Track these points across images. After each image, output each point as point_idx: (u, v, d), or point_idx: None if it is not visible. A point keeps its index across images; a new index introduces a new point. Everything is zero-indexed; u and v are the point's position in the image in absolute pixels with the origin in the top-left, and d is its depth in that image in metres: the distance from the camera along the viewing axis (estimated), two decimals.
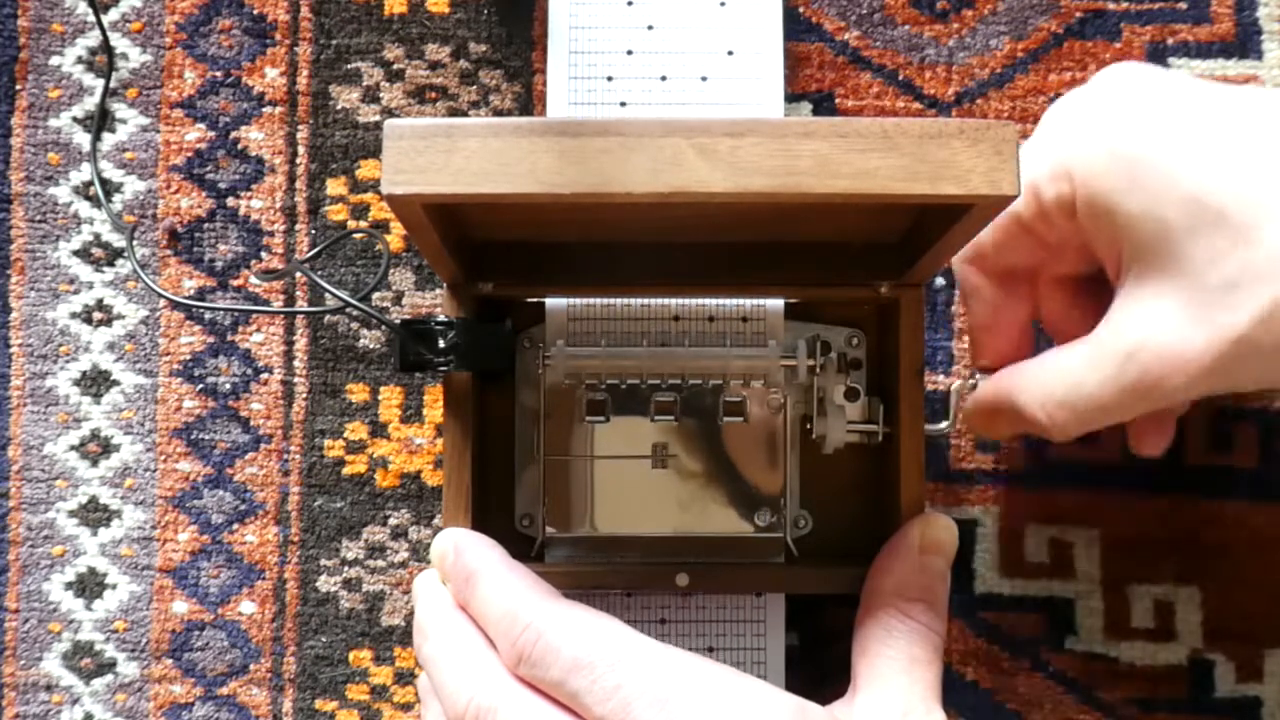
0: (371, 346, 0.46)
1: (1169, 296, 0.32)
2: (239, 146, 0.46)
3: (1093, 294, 0.37)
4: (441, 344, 0.37)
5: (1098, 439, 0.44)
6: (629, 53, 0.43)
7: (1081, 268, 0.37)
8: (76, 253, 0.46)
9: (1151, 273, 0.32)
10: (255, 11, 0.46)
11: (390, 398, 0.45)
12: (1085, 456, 0.44)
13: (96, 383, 0.46)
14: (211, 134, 0.46)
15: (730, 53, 0.43)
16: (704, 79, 0.43)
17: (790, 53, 0.45)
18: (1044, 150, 0.35)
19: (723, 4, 0.43)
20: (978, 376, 0.40)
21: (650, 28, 0.43)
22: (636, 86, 0.43)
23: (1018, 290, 0.39)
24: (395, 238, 0.46)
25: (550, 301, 0.42)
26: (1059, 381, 0.35)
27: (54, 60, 0.47)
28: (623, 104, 0.43)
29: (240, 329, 0.46)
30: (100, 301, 0.46)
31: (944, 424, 0.42)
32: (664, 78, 0.43)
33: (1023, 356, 0.38)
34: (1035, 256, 0.38)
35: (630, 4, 0.43)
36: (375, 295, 0.46)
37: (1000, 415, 0.38)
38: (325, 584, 0.45)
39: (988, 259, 0.38)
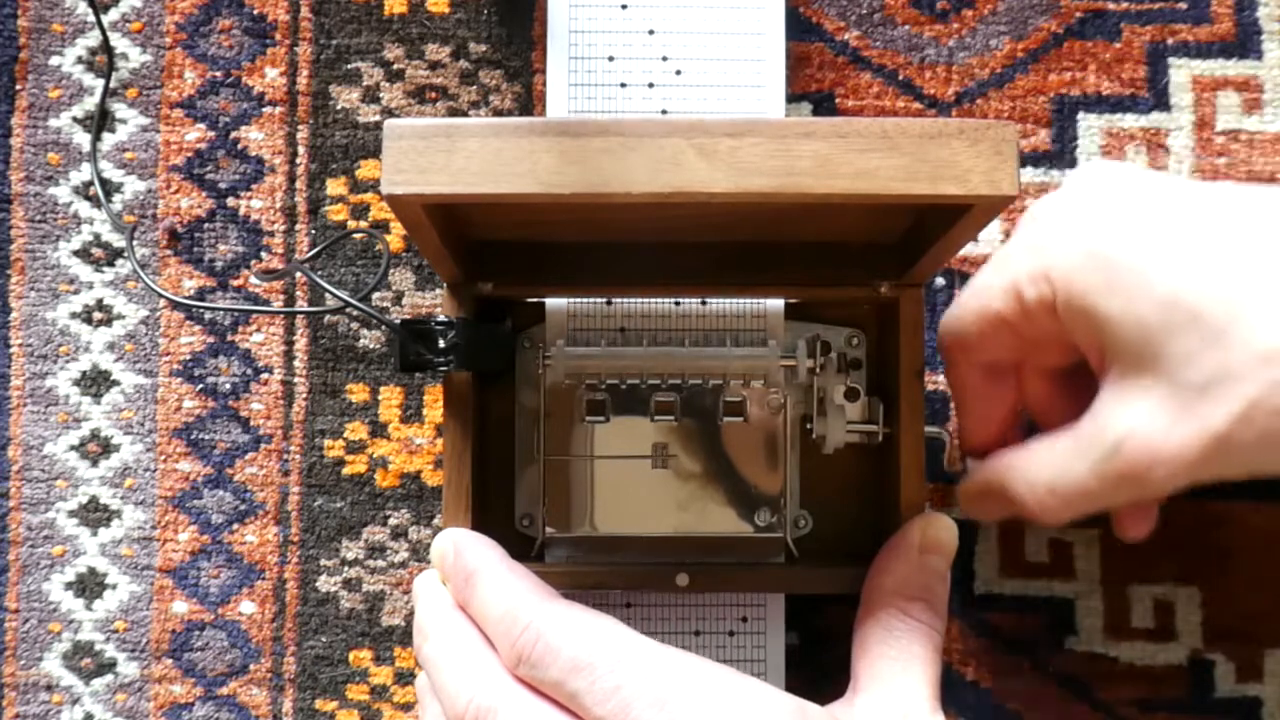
0: (371, 346, 0.46)
1: (1150, 393, 0.32)
2: (239, 146, 0.46)
3: (1077, 382, 0.38)
4: (441, 344, 0.37)
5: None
6: (630, 53, 0.43)
7: (1065, 360, 0.38)
8: (76, 253, 0.46)
9: (1132, 369, 0.33)
10: (255, 11, 0.46)
11: (390, 398, 0.45)
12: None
13: (96, 383, 0.46)
14: (211, 134, 0.46)
15: (731, 53, 0.43)
16: (704, 79, 0.43)
17: (790, 53, 0.45)
18: (1023, 251, 0.36)
19: (724, 4, 0.43)
20: (969, 461, 0.41)
21: (650, 31, 0.43)
22: (636, 88, 0.43)
23: (1003, 381, 0.39)
24: (395, 238, 0.46)
25: (550, 301, 0.42)
26: (1047, 471, 0.36)
27: (54, 60, 0.47)
28: (620, 104, 0.43)
29: (240, 329, 0.46)
30: (100, 301, 0.46)
31: (940, 430, 0.42)
32: (664, 78, 0.43)
33: (1010, 442, 0.39)
34: (1020, 351, 0.38)
35: (630, 5, 0.43)
36: (375, 295, 0.46)
37: (991, 500, 0.38)
38: (325, 584, 0.45)
39: (973, 353, 0.39)
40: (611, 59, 0.43)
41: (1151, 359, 0.32)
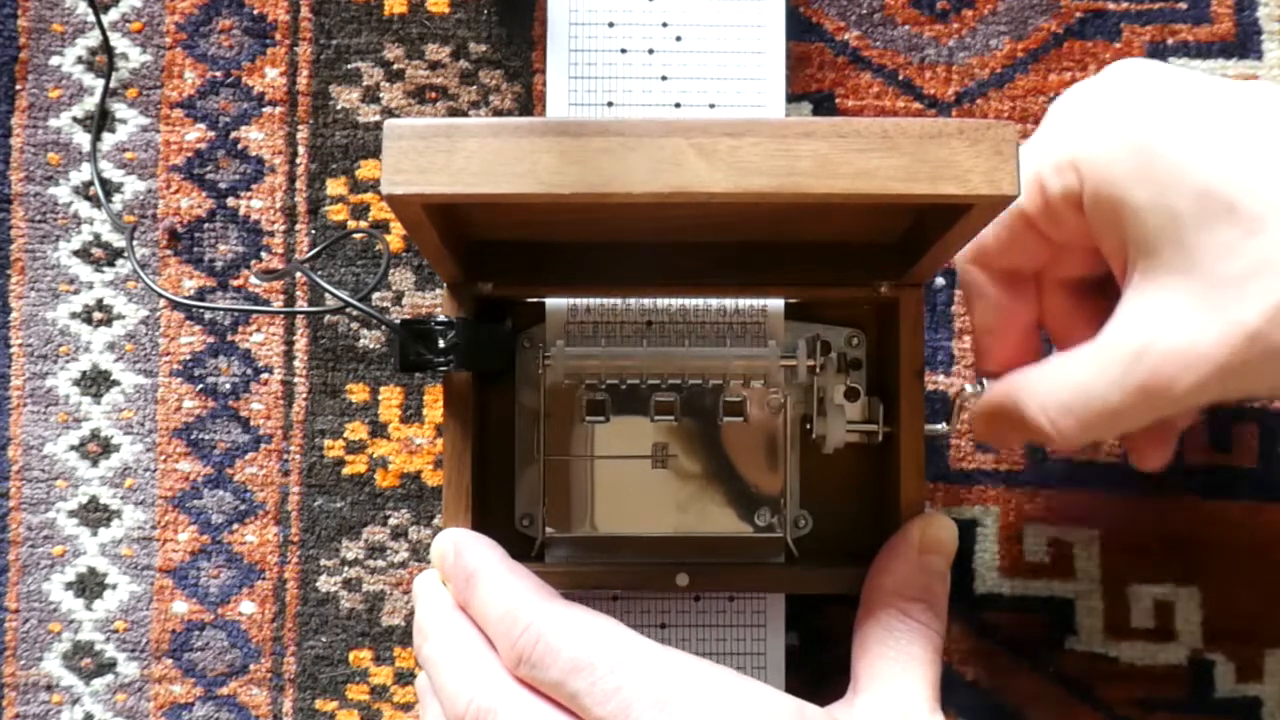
0: (371, 346, 0.46)
1: (1178, 292, 0.31)
2: (239, 146, 0.46)
3: (1099, 298, 0.37)
4: (441, 344, 0.37)
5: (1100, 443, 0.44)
6: (628, 53, 0.43)
7: (1087, 270, 0.37)
8: (76, 253, 0.46)
9: (1159, 267, 0.32)
10: (255, 11, 0.46)
11: (390, 398, 0.45)
12: (1085, 457, 0.44)
13: (96, 383, 0.46)
14: (211, 134, 0.46)
15: (732, 53, 0.43)
16: (705, 79, 0.43)
17: (790, 53, 0.45)
18: (1050, 143, 0.35)
19: (726, 4, 0.43)
20: (982, 384, 0.39)
21: (650, 28, 0.43)
22: (637, 87, 0.43)
23: (1022, 292, 0.38)
24: (395, 238, 0.46)
25: (550, 301, 0.42)
26: (1064, 386, 0.34)
27: (54, 60, 0.47)
28: (611, 105, 0.43)
29: (240, 329, 0.46)
30: (100, 301, 0.46)
31: (942, 425, 0.42)
32: (664, 78, 0.43)
33: (1028, 362, 0.37)
34: (1040, 256, 0.37)
35: (630, 4, 0.43)
36: (375, 295, 0.46)
37: (1004, 423, 0.37)
38: (325, 584, 0.45)
39: (991, 258, 0.38)
40: (611, 59, 0.43)
41: (1181, 254, 0.31)
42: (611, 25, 0.43)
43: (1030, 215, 0.35)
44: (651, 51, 0.43)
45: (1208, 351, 0.30)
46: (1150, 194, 0.31)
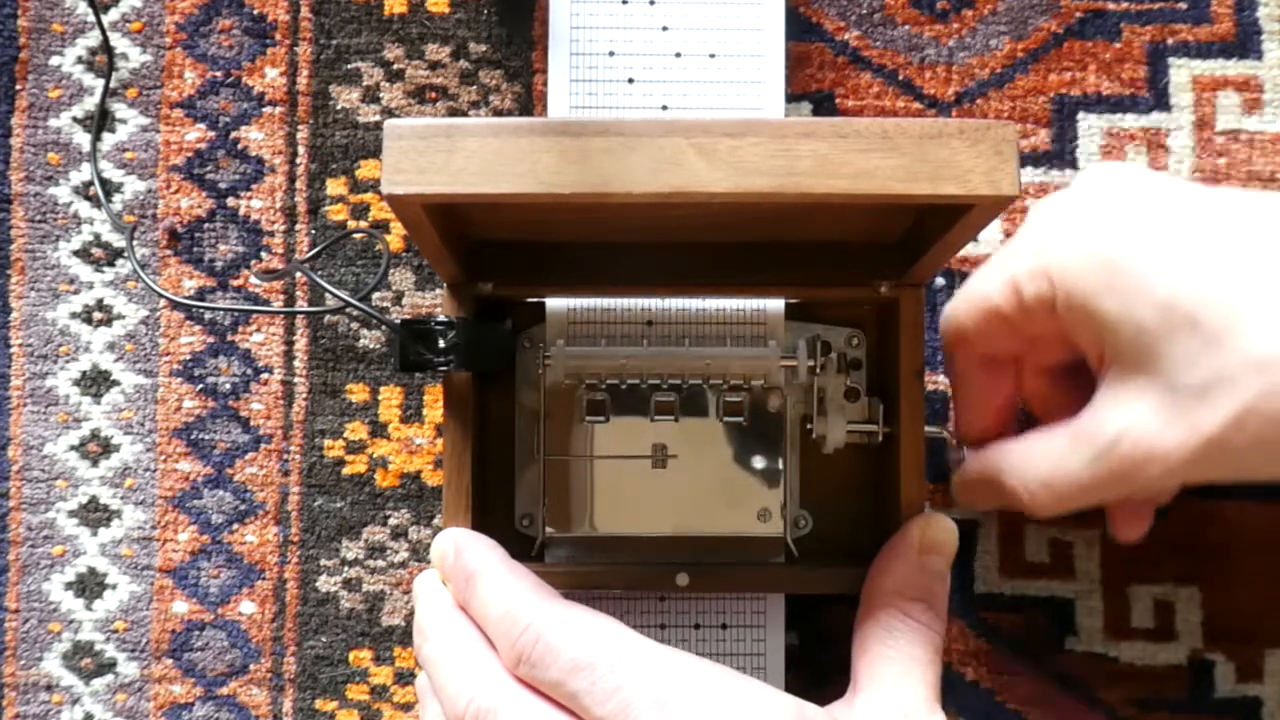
0: (371, 346, 0.46)
1: (1146, 394, 0.33)
2: (239, 146, 0.46)
3: (1075, 380, 0.38)
4: (441, 344, 0.37)
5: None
6: (630, 53, 0.43)
7: (1064, 357, 0.38)
8: (76, 253, 0.46)
9: (1130, 370, 0.33)
10: (255, 11, 0.46)
11: (390, 398, 0.45)
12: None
13: (96, 383, 0.46)
14: (211, 134, 0.46)
15: (732, 53, 0.43)
16: (705, 79, 0.43)
17: (790, 53, 0.45)
18: (1025, 250, 0.36)
19: (725, 5, 0.43)
20: (964, 451, 0.41)
21: (651, 29, 0.43)
22: (637, 88, 0.43)
23: (1002, 374, 0.40)
24: (395, 238, 0.46)
25: (550, 301, 0.42)
26: (1042, 464, 0.36)
27: (54, 60, 0.47)
28: (611, 106, 0.43)
29: (240, 329, 0.46)
30: (100, 301, 0.46)
31: (943, 433, 0.42)
32: (664, 79, 0.43)
33: (1006, 433, 0.39)
34: (1018, 346, 0.39)
35: (631, 4, 0.43)
36: (375, 295, 0.45)
37: (985, 490, 0.39)
38: (325, 584, 0.45)
39: (972, 346, 0.39)
40: (612, 54, 0.43)
41: (1149, 360, 0.32)
42: (611, 28, 0.43)
43: (1007, 313, 0.37)
44: (650, 51, 0.43)
45: (1172, 451, 0.32)
46: (1117, 305, 0.33)
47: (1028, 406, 0.41)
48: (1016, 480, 0.37)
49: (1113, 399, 0.34)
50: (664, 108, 0.43)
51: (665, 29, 0.43)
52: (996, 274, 0.36)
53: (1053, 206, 0.36)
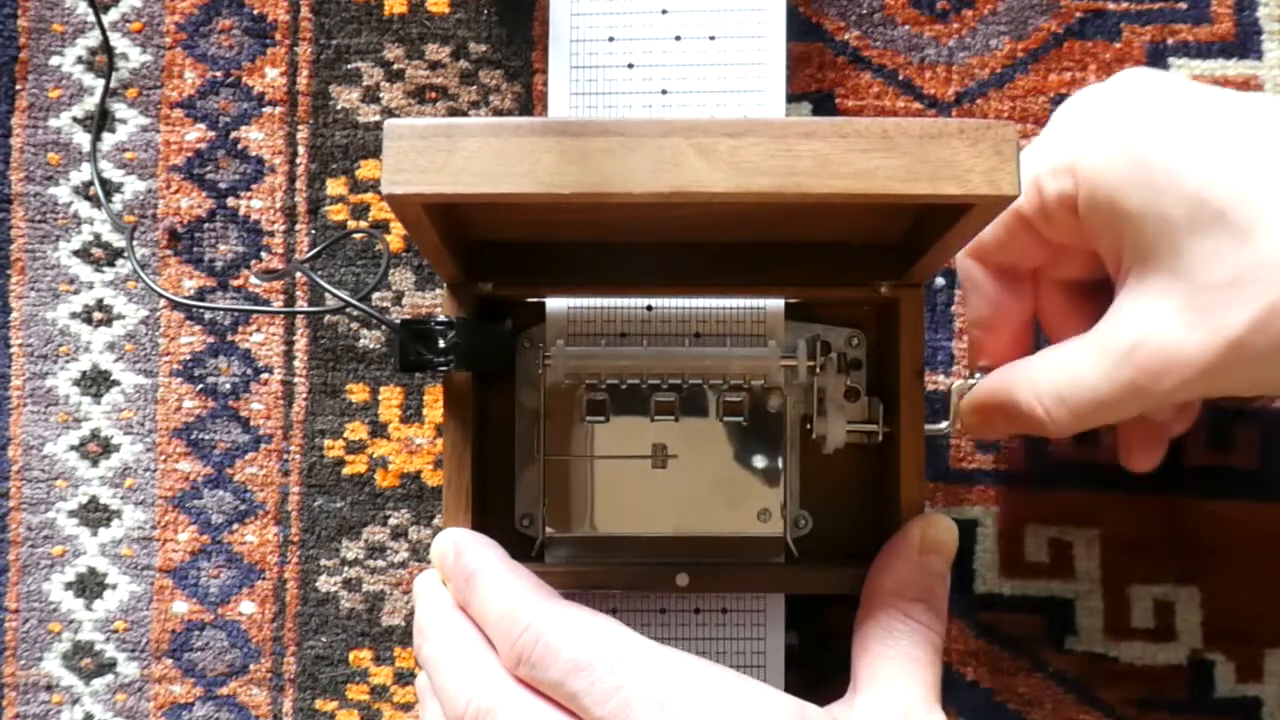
0: (371, 346, 0.46)
1: (1168, 295, 0.32)
2: (239, 146, 0.46)
3: (1094, 297, 0.37)
4: (441, 344, 0.37)
5: (1097, 438, 0.44)
6: (630, 53, 0.43)
7: (1084, 272, 0.38)
8: (76, 253, 0.46)
9: (1151, 271, 0.33)
10: (255, 11, 0.46)
11: (390, 398, 0.45)
12: (1085, 456, 0.44)
13: (96, 383, 0.46)
14: (211, 134, 0.46)
15: (732, 53, 0.43)
16: (706, 79, 0.43)
17: (790, 53, 0.45)
18: (1049, 147, 0.35)
19: (726, 5, 0.43)
20: (977, 377, 0.40)
21: (651, 29, 0.43)
22: (638, 88, 0.43)
23: (1019, 289, 0.39)
24: (395, 238, 0.46)
25: (550, 301, 0.42)
26: (1056, 377, 0.35)
27: (54, 60, 0.47)
28: (611, 107, 0.43)
29: (240, 329, 0.46)
30: (100, 301, 0.46)
31: (944, 424, 0.42)
32: (665, 79, 0.43)
33: (1022, 355, 0.38)
34: (1037, 255, 0.38)
35: (632, 4, 0.43)
36: (375, 295, 0.46)
37: (997, 413, 0.38)
38: (325, 584, 0.45)
39: (989, 255, 0.38)
40: (612, 39, 0.43)
41: (1172, 259, 0.32)
42: (612, 29, 0.43)
43: (1027, 216, 0.36)
44: (651, 52, 0.43)
45: (1193, 354, 0.31)
46: (1143, 200, 0.32)
47: (1045, 327, 0.40)
48: (1030, 396, 0.35)
49: (1132, 303, 0.33)
50: (663, 91, 0.43)
51: (665, 12, 0.43)
52: None
53: (1079, 104, 0.36)
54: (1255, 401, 0.44)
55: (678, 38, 0.43)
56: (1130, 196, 0.33)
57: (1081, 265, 0.37)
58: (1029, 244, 0.37)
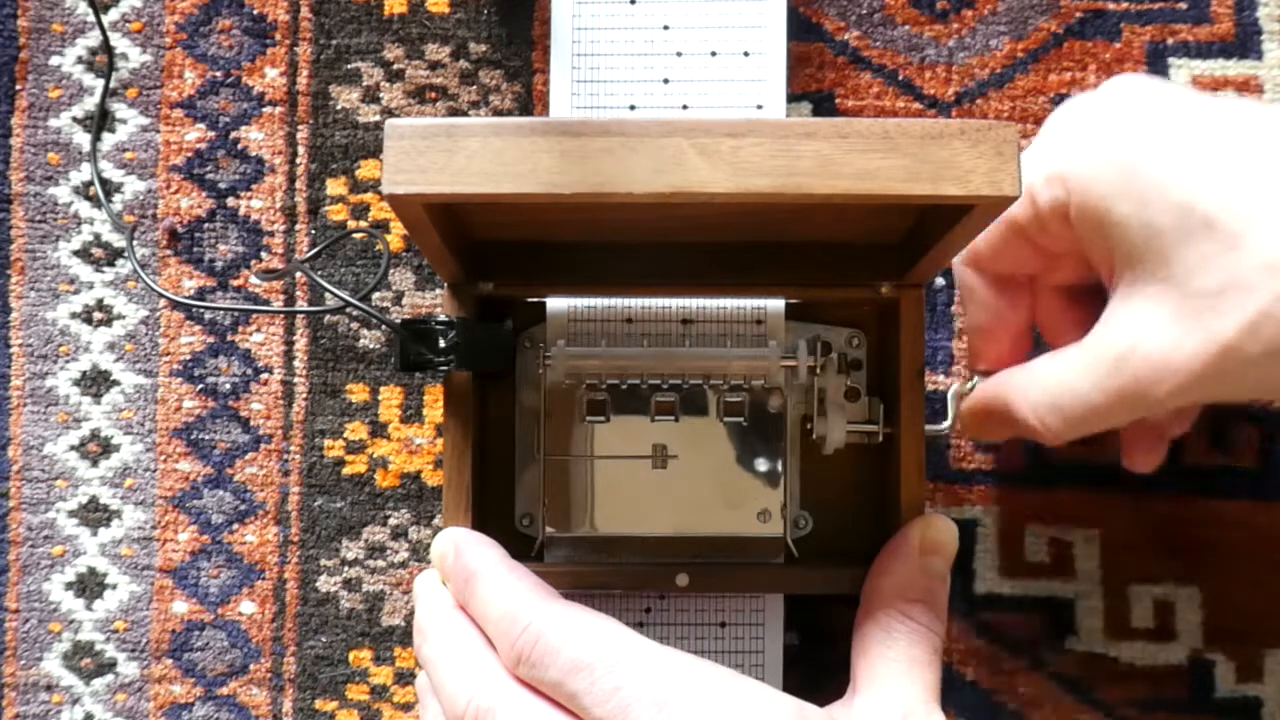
0: (371, 346, 0.46)
1: (1159, 302, 0.32)
2: (239, 146, 0.46)
3: (1090, 303, 0.37)
4: (442, 344, 0.37)
5: (1100, 438, 0.44)
6: (632, 53, 0.43)
7: (1078, 277, 0.38)
8: (76, 253, 0.46)
9: (1142, 279, 0.33)
10: (255, 11, 0.46)
11: (390, 398, 0.45)
12: (1085, 457, 0.44)
13: (96, 383, 0.46)
14: (211, 134, 0.46)
15: (733, 53, 0.43)
16: (707, 79, 0.43)
17: (790, 53, 0.45)
18: (1041, 156, 0.36)
19: (726, 5, 0.43)
20: (975, 380, 0.41)
21: (652, 29, 0.43)
22: (639, 89, 0.43)
23: (1015, 296, 0.39)
24: (395, 238, 0.46)
25: (551, 301, 0.42)
26: (1051, 384, 0.35)
27: (54, 60, 0.47)
28: (631, 107, 0.43)
29: (240, 329, 0.46)
30: (100, 301, 0.46)
31: (944, 424, 0.42)
32: (666, 79, 0.43)
33: (1019, 361, 0.38)
34: (1033, 263, 0.38)
35: (634, 4, 0.43)
36: (375, 295, 0.45)
37: (994, 418, 0.38)
38: (325, 584, 0.45)
39: (985, 263, 0.39)
40: (613, 59, 0.43)
41: (1162, 266, 0.32)
42: (613, 27, 0.43)
43: (1022, 224, 0.36)
44: (651, 51, 0.43)
45: (1185, 361, 0.31)
46: (1132, 208, 0.32)
47: (1042, 332, 0.40)
48: (1025, 403, 0.36)
49: (1124, 310, 0.33)
50: (665, 81, 0.43)
51: (665, 27, 0.43)
52: None
53: (1068, 114, 0.36)
54: (1254, 404, 0.44)
55: (678, 53, 0.43)
56: (1119, 205, 0.33)
57: (1077, 271, 0.37)
58: (1024, 251, 0.37)
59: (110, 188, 0.46)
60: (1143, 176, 0.32)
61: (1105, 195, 0.33)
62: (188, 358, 0.46)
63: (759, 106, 0.43)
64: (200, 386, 0.46)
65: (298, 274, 0.45)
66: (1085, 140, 0.34)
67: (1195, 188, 0.31)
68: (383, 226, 0.46)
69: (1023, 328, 0.40)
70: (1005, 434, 0.38)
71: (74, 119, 0.46)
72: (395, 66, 0.46)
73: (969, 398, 0.40)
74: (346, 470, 0.45)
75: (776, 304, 0.42)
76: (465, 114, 0.46)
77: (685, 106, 0.43)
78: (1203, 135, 0.32)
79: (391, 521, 0.45)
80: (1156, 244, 0.32)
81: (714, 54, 0.43)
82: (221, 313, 0.46)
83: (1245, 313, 0.30)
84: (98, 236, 0.46)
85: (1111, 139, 0.34)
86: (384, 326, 0.45)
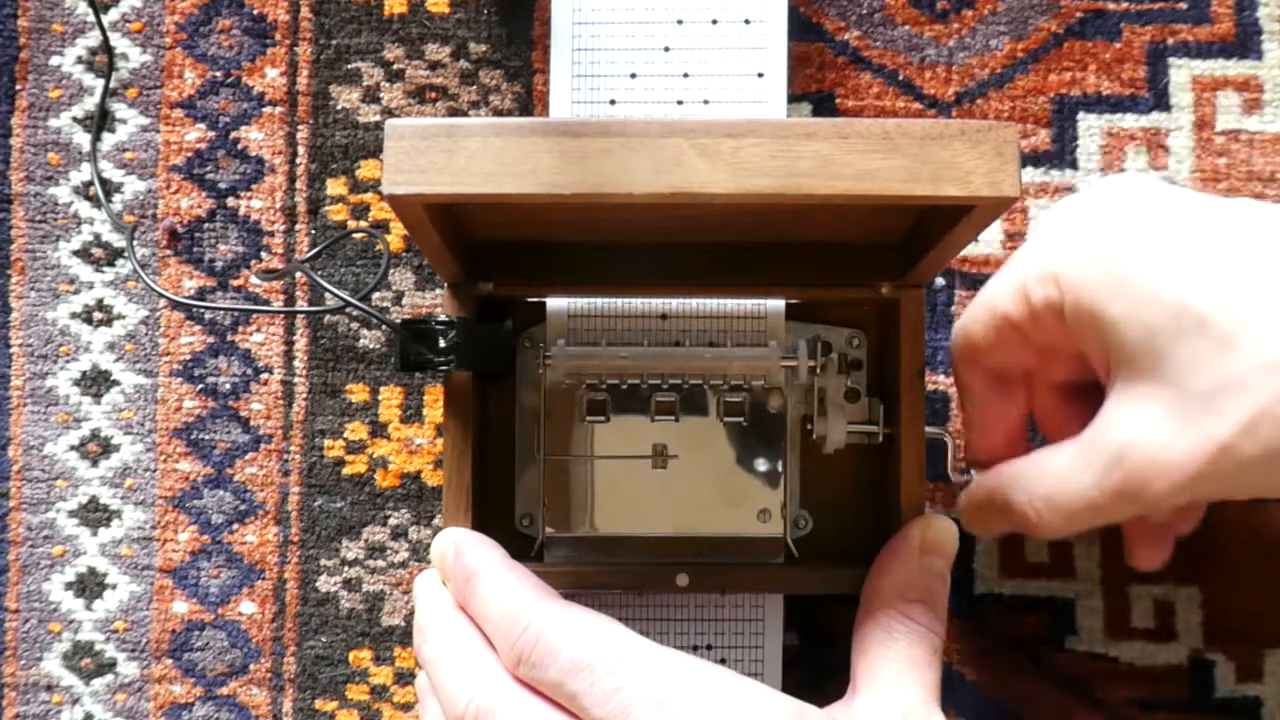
0: (371, 346, 0.46)
1: (1155, 401, 0.32)
2: (239, 146, 0.46)
3: (1087, 399, 0.37)
4: (442, 344, 0.37)
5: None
6: (632, 21, 0.43)
7: (1075, 374, 0.38)
8: (76, 253, 0.46)
9: (1137, 376, 0.33)
10: (255, 11, 0.46)
11: (390, 398, 0.45)
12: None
13: (96, 383, 0.46)
14: (211, 134, 0.46)
15: (734, 20, 0.43)
16: (707, 47, 0.43)
17: (790, 53, 0.45)
18: (1034, 255, 0.36)
19: (726, 4, 0.43)
20: (972, 474, 0.40)
21: (653, 28, 0.43)
22: (639, 57, 0.43)
23: (1011, 391, 0.39)
24: (395, 238, 0.46)
25: (551, 301, 0.42)
26: (1047, 480, 0.35)
27: (54, 60, 0.47)
28: (632, 75, 0.43)
29: (240, 329, 0.46)
30: (100, 301, 0.46)
31: (942, 429, 0.42)
32: (667, 47, 0.43)
33: (1016, 454, 0.38)
34: (1028, 359, 0.38)
35: (633, 3, 0.43)
36: (375, 295, 0.45)
37: (992, 512, 0.38)
38: (325, 584, 0.45)
39: (981, 358, 0.38)
40: (613, 58, 0.43)
41: (1157, 366, 0.32)
42: (613, 26, 0.43)
43: (1016, 321, 0.36)
44: (652, 50, 0.43)
45: (1181, 461, 0.31)
46: (1125, 309, 0.32)
47: (1040, 428, 0.40)
48: (1022, 498, 0.36)
49: (1119, 408, 0.33)
50: (666, 49, 0.43)
51: (665, 26, 0.43)
52: (1005, 280, 0.36)
53: (1061, 213, 0.36)
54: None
55: (679, 20, 0.43)
56: (1112, 306, 0.33)
57: (1073, 368, 0.37)
58: (1019, 348, 0.37)
59: (110, 188, 0.46)
60: (1135, 276, 0.32)
61: (1098, 295, 0.33)
62: (188, 358, 0.46)
63: (760, 74, 0.43)
64: (200, 386, 0.46)
65: (298, 274, 0.45)
66: (1078, 239, 0.34)
67: (1188, 287, 0.31)
68: (383, 226, 0.46)
69: (1019, 422, 0.40)
70: (1003, 526, 0.38)
71: (74, 119, 0.46)
72: (395, 66, 0.46)
73: (967, 490, 0.40)
74: (346, 470, 0.45)
75: (776, 304, 0.42)
76: (465, 114, 0.46)
77: (686, 74, 0.43)
78: (1195, 234, 0.32)
79: (391, 521, 0.45)
80: (1150, 343, 0.32)
81: (715, 21, 0.43)
82: (221, 313, 0.46)
83: (1241, 413, 0.30)
84: (98, 236, 0.46)
85: (1104, 238, 0.34)
86: (384, 326, 0.45)
